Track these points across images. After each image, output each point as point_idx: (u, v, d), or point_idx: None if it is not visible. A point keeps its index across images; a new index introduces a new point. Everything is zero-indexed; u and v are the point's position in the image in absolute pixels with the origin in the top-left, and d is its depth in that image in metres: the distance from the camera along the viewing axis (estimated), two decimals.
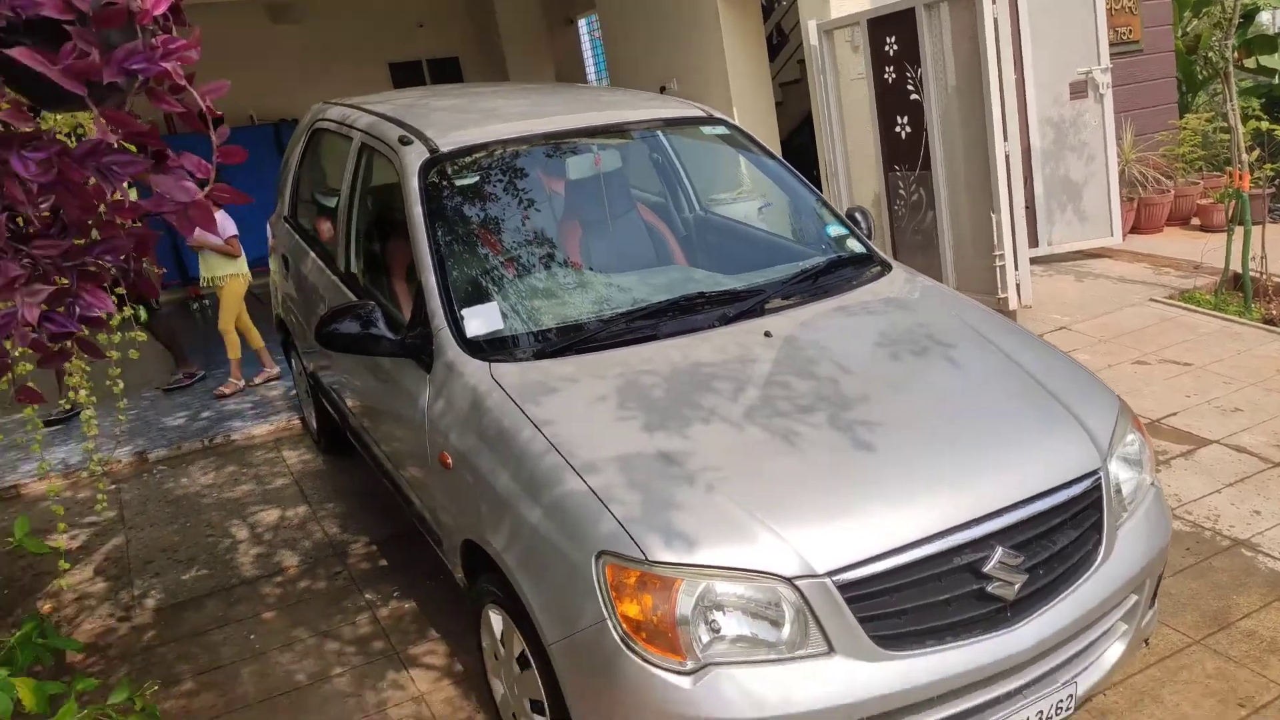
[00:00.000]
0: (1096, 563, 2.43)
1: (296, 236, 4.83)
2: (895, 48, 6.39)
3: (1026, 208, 6.69)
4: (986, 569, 2.24)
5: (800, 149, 9.23)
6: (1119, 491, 2.55)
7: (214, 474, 5.18)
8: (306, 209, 4.94)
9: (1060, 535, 2.39)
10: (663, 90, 8.71)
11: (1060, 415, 2.61)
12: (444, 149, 3.46)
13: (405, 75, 12.56)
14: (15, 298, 1.73)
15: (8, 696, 2.18)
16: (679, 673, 2.12)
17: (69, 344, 1.89)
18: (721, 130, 3.98)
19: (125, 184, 1.73)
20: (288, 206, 5.10)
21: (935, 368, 2.81)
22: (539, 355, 2.88)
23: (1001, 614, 2.27)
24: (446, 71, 12.89)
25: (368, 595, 3.77)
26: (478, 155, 3.57)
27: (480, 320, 3.01)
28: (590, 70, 14.34)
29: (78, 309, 1.82)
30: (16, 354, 1.83)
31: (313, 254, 4.50)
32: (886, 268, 3.51)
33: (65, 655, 3.56)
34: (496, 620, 2.71)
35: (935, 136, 6.20)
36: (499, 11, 12.35)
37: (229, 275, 6.46)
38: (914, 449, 2.43)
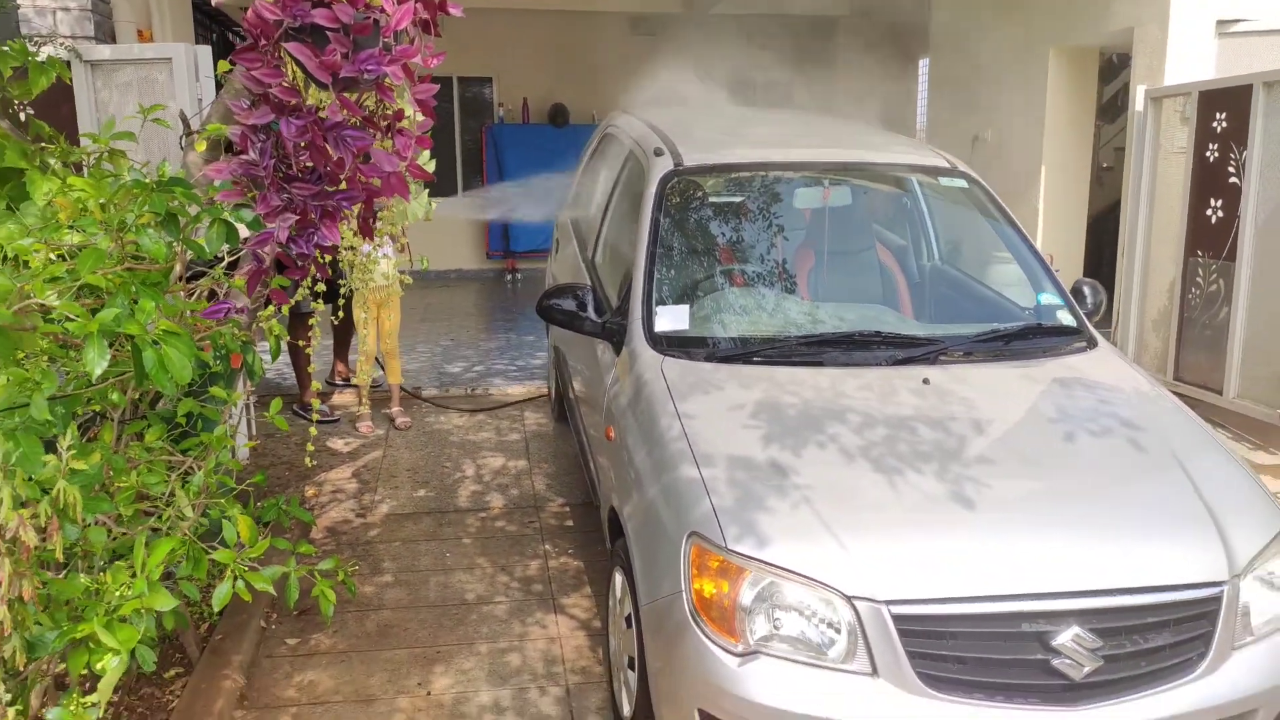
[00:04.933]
0: (1194, 675, 2.33)
1: (569, 226, 5.41)
2: (1224, 124, 5.94)
3: None
4: (1055, 643, 2.25)
5: None
6: (1246, 613, 2.42)
7: (467, 418, 5.92)
8: (583, 202, 5.51)
9: (1155, 635, 2.33)
10: (975, 140, 8.58)
11: (1200, 521, 2.51)
12: (687, 164, 3.81)
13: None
14: (274, 221, 2.33)
15: (232, 526, 2.82)
16: (730, 653, 2.33)
17: (308, 263, 2.46)
18: (960, 183, 4.02)
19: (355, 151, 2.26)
20: (570, 199, 5.71)
21: (1080, 450, 2.76)
22: (708, 359, 3.17)
23: (1066, 692, 2.26)
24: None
25: (546, 546, 4.24)
26: (717, 174, 3.91)
27: (669, 319, 3.35)
28: (920, 112, 14.20)
29: (316, 238, 2.38)
30: (268, 264, 2.42)
31: (574, 241, 5.05)
32: (1092, 344, 3.43)
33: (310, 531, 4.33)
34: (619, 582, 3.04)
35: (1247, 225, 5.71)
36: (839, 43, 12.63)
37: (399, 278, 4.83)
38: (1017, 514, 2.47)
